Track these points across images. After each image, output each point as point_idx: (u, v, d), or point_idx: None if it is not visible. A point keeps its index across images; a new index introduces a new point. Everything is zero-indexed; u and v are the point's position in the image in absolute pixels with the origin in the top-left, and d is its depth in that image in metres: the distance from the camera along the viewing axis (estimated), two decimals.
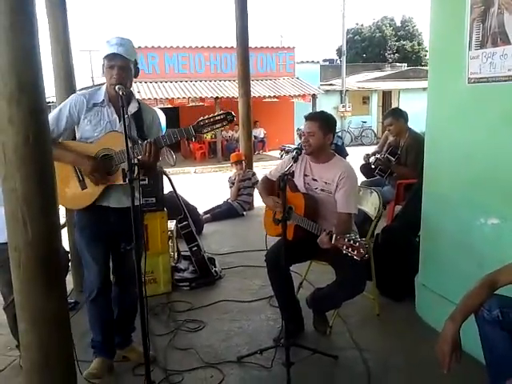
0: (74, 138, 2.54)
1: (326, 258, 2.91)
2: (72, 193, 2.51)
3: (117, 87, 2.25)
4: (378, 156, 4.93)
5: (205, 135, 16.82)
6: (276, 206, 2.91)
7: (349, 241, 2.39)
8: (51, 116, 2.38)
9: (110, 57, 2.37)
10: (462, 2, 2.60)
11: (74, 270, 3.77)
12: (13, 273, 1.91)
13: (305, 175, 2.99)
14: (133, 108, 2.52)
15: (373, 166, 4.96)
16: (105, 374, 2.61)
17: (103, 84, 2.54)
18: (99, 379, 2.55)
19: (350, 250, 2.37)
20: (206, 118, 2.31)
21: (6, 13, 1.70)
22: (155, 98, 14.74)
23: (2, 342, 3.00)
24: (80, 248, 2.61)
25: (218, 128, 2.37)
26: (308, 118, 2.94)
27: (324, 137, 2.86)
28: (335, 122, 3.05)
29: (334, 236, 2.47)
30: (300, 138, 2.92)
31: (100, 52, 2.46)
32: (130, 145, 2.08)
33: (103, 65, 2.43)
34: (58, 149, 2.39)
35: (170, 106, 14.64)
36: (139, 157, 2.32)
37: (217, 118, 2.31)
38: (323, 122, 2.88)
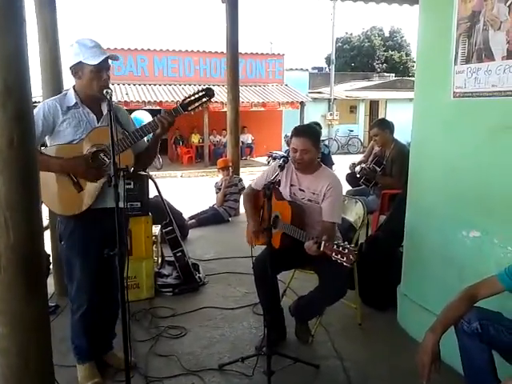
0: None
1: (313, 266, 2.92)
2: (69, 198, 2.42)
3: (105, 91, 2.22)
4: (364, 165, 4.97)
5: (192, 140, 16.88)
6: (251, 232, 2.99)
7: (338, 247, 2.38)
8: None
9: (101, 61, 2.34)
10: (448, 18, 2.65)
11: (56, 273, 3.72)
12: None
13: (291, 185, 3.00)
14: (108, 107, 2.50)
15: (358, 176, 5.00)
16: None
17: (67, 90, 2.50)
18: None
19: (339, 256, 2.36)
20: (188, 96, 2.43)
21: None
22: (143, 101, 14.70)
23: None
24: (69, 261, 2.51)
25: (202, 105, 2.45)
26: (301, 134, 2.88)
27: (317, 152, 2.91)
28: (321, 133, 3.08)
29: (323, 243, 2.46)
30: (288, 145, 2.94)
31: (79, 55, 2.34)
32: (120, 137, 2.19)
33: (81, 68, 2.36)
34: (42, 157, 2.31)
35: (157, 108, 14.61)
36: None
37: (198, 95, 2.43)
38: (315, 137, 2.90)
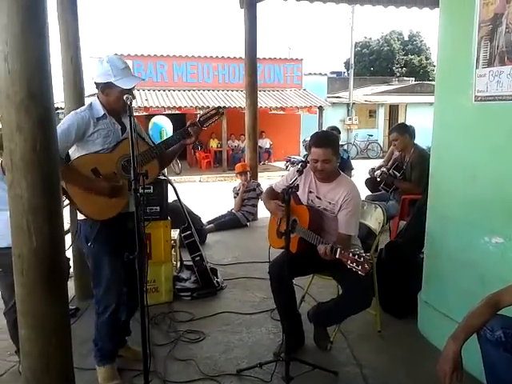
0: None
1: (330, 272, 2.90)
2: (104, 203, 2.50)
3: (125, 97, 2.30)
4: (384, 169, 4.93)
5: (211, 145, 17.01)
6: (278, 209, 2.91)
7: (353, 255, 2.37)
8: (60, 132, 2.28)
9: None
10: (470, 20, 2.61)
11: (76, 277, 3.77)
12: (16, 279, 1.92)
13: (309, 192, 2.97)
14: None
15: (378, 179, 4.95)
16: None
17: (92, 101, 2.59)
18: None
19: (354, 264, 2.35)
20: (202, 114, 2.73)
21: (18, 21, 1.72)
22: (163, 106, 14.83)
23: (2, 346, 3.00)
24: (99, 262, 2.56)
25: (215, 121, 2.77)
26: (321, 144, 2.80)
27: (337, 160, 2.89)
28: (339, 138, 3.06)
29: (339, 250, 2.45)
30: (306, 150, 2.92)
31: (110, 76, 2.44)
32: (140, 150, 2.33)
33: (110, 88, 2.47)
34: (72, 172, 2.44)
35: (177, 112, 14.73)
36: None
37: (210, 113, 2.74)
38: (335, 146, 2.86)
